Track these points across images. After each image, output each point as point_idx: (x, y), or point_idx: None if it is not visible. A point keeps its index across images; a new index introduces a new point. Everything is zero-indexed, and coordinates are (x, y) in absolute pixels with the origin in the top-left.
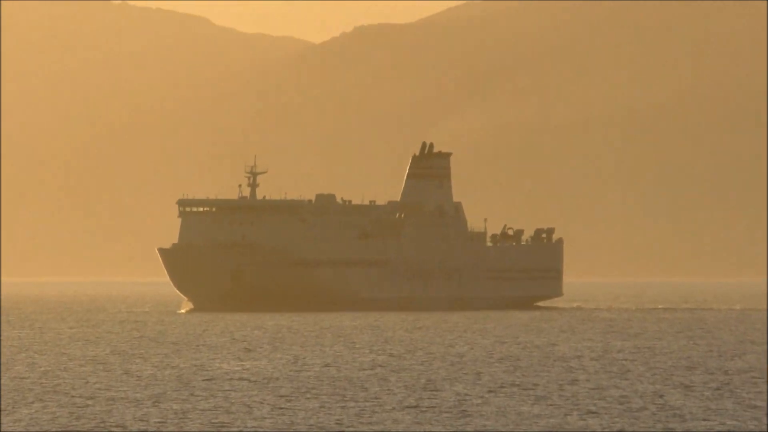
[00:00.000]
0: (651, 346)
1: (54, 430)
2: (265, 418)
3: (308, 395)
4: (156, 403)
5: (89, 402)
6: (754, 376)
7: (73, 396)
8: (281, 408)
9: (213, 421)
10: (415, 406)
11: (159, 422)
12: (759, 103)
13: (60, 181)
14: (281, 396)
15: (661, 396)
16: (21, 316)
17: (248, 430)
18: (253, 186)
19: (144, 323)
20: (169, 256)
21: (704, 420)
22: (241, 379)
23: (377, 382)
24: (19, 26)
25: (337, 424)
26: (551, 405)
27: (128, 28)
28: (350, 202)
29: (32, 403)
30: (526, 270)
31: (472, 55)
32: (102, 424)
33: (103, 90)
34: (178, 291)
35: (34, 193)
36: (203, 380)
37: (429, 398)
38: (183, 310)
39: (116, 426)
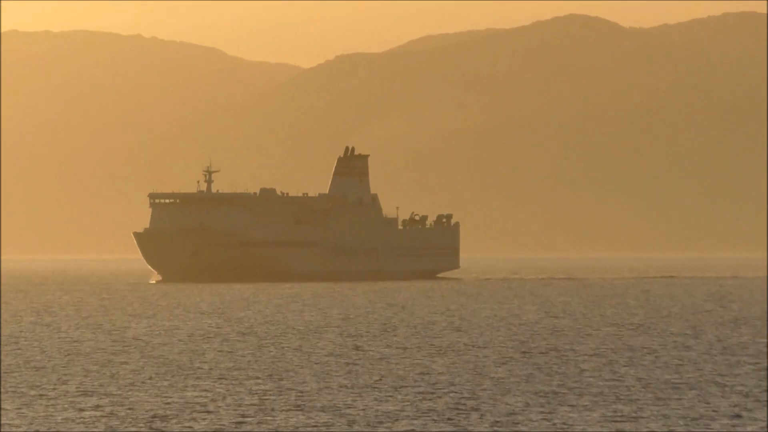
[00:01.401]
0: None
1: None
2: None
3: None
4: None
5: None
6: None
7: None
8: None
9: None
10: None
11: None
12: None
13: (61, 175)
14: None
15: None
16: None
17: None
18: (209, 182)
19: (124, 291)
20: (142, 238)
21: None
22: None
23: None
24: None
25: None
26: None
27: (157, 60)
28: (287, 194)
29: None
30: (429, 248)
31: (397, 76)
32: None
33: (109, 105)
34: (149, 266)
35: (35, 185)
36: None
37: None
38: (153, 281)
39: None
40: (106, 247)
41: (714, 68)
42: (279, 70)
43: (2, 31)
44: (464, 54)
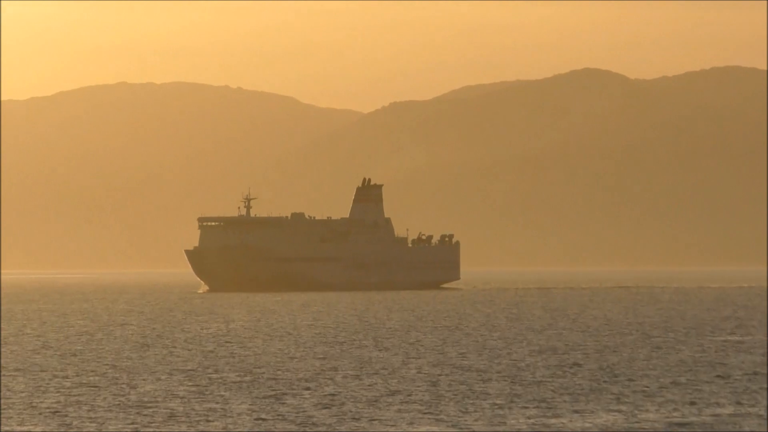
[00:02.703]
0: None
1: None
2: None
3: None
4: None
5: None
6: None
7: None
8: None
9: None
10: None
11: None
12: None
13: (126, 206)
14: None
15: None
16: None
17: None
18: (248, 207)
19: (178, 299)
20: (192, 255)
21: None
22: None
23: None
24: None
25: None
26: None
27: (242, 107)
28: (314, 217)
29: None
30: (434, 262)
31: (440, 121)
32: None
33: (193, 147)
34: (198, 278)
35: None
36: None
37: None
38: (201, 291)
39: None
40: (153, 263)
41: (704, 109)
42: (342, 115)
43: (113, 83)
44: (494, 102)
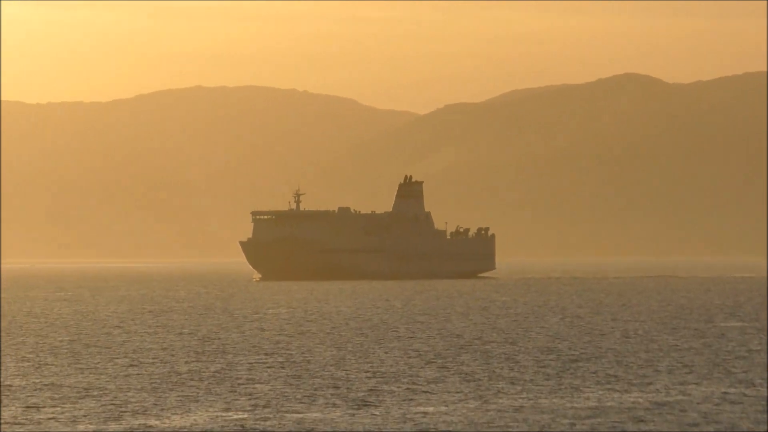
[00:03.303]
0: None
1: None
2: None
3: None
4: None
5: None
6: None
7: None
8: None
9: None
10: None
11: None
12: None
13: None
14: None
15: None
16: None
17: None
18: (298, 202)
19: (236, 284)
20: (247, 246)
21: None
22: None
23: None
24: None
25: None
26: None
27: (308, 109)
28: (360, 211)
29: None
30: (471, 253)
31: (494, 122)
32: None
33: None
34: (251, 267)
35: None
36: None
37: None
38: (255, 279)
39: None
40: (209, 253)
41: (731, 112)
42: (399, 116)
43: (190, 86)
44: (540, 104)
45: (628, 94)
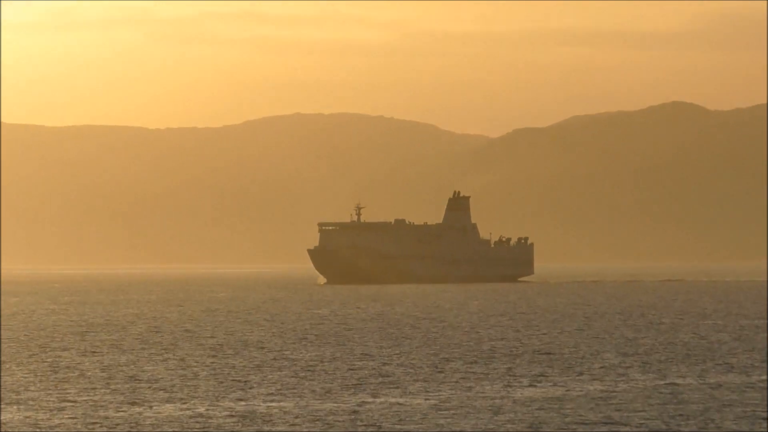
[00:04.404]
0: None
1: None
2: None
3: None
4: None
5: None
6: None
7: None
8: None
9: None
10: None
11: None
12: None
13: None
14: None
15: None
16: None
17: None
18: (359, 214)
19: (303, 288)
20: (314, 253)
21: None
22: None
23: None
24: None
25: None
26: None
27: (393, 134)
28: (413, 222)
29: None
30: (512, 260)
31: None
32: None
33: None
34: (317, 272)
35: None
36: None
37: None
38: (320, 283)
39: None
40: (274, 260)
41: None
42: (474, 140)
43: (289, 113)
44: (596, 129)
45: (674, 120)
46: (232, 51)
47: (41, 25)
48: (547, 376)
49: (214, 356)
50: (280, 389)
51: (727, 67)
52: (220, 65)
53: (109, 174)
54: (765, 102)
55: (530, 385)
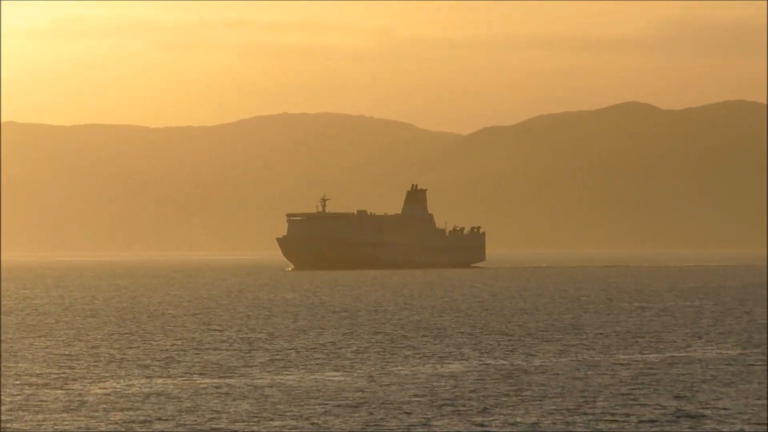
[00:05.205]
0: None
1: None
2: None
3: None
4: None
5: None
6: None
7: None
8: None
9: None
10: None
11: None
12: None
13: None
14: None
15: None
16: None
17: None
18: (324, 206)
19: (273, 274)
20: (283, 242)
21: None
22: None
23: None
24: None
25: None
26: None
27: (369, 131)
28: (374, 213)
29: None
30: (465, 247)
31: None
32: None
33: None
34: (286, 259)
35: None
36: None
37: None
38: (289, 269)
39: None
40: (248, 248)
41: (718, 128)
42: (446, 137)
43: (277, 113)
44: (557, 127)
45: (629, 118)
46: (227, 56)
47: (48, 31)
48: (490, 352)
49: (184, 336)
50: (240, 365)
51: (678, 69)
52: (216, 69)
53: (114, 167)
54: (713, 102)
55: (459, 361)
